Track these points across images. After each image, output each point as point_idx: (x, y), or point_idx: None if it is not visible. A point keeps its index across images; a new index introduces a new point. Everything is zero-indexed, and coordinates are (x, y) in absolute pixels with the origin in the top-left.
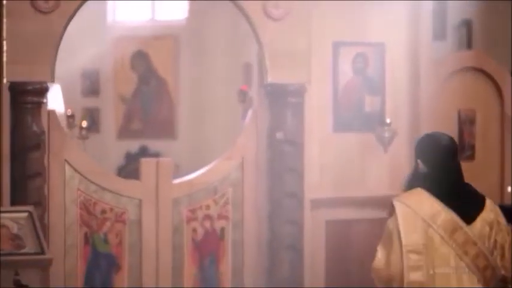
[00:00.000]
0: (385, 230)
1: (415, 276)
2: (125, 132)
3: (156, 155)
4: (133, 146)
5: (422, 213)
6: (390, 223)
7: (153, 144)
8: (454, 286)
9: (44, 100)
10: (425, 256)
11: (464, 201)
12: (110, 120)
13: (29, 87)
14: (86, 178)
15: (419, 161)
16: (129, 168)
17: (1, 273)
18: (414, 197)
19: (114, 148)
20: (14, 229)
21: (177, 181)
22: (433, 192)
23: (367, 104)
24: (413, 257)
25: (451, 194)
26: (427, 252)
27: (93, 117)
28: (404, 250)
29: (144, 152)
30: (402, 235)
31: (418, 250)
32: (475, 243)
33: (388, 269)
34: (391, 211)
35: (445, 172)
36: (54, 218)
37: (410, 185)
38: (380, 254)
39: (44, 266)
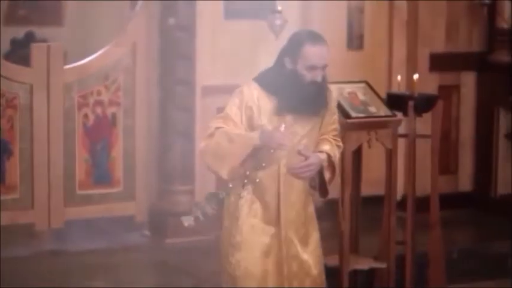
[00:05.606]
0: None
1: None
2: (10, 18)
3: (43, 41)
4: (19, 32)
5: None
6: None
7: (40, 31)
8: None
9: None
10: None
11: None
12: None
13: None
14: None
15: None
16: (16, 55)
17: None
18: None
19: None
20: None
21: (68, 66)
22: None
23: None
24: None
25: None
26: None
27: None
28: None
29: (30, 38)
30: None
31: None
32: None
33: None
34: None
35: None
36: None
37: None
38: None
39: None
